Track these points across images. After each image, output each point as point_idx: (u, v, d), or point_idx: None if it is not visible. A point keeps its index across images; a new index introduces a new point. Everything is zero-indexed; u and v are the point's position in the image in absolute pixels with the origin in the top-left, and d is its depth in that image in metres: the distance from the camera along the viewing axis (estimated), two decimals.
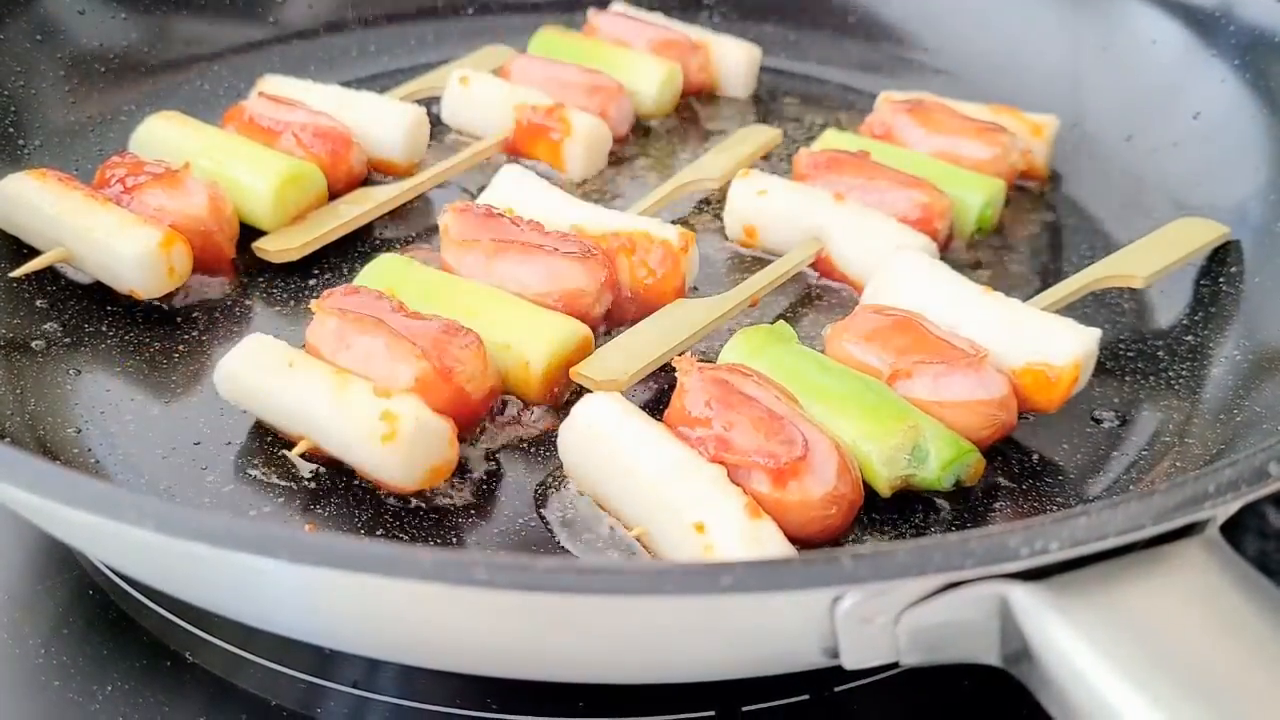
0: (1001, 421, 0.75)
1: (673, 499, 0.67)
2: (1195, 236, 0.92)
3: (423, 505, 0.73)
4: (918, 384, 0.74)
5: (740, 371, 0.72)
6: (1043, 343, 0.77)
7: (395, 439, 0.70)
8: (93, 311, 0.86)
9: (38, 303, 0.86)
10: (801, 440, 0.68)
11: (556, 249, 0.83)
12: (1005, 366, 0.76)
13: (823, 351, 0.79)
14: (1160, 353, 0.87)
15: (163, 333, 0.85)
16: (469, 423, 0.76)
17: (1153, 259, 0.89)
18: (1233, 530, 0.57)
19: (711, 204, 1.01)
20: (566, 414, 0.79)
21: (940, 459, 0.71)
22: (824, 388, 0.74)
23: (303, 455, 0.74)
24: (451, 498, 0.74)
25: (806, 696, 0.67)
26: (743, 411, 0.70)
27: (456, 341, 0.75)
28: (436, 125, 1.06)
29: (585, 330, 0.80)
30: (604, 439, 0.70)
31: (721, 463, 0.68)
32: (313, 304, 0.77)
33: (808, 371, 0.75)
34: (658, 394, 0.81)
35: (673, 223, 0.89)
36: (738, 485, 0.67)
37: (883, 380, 0.75)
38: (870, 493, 0.71)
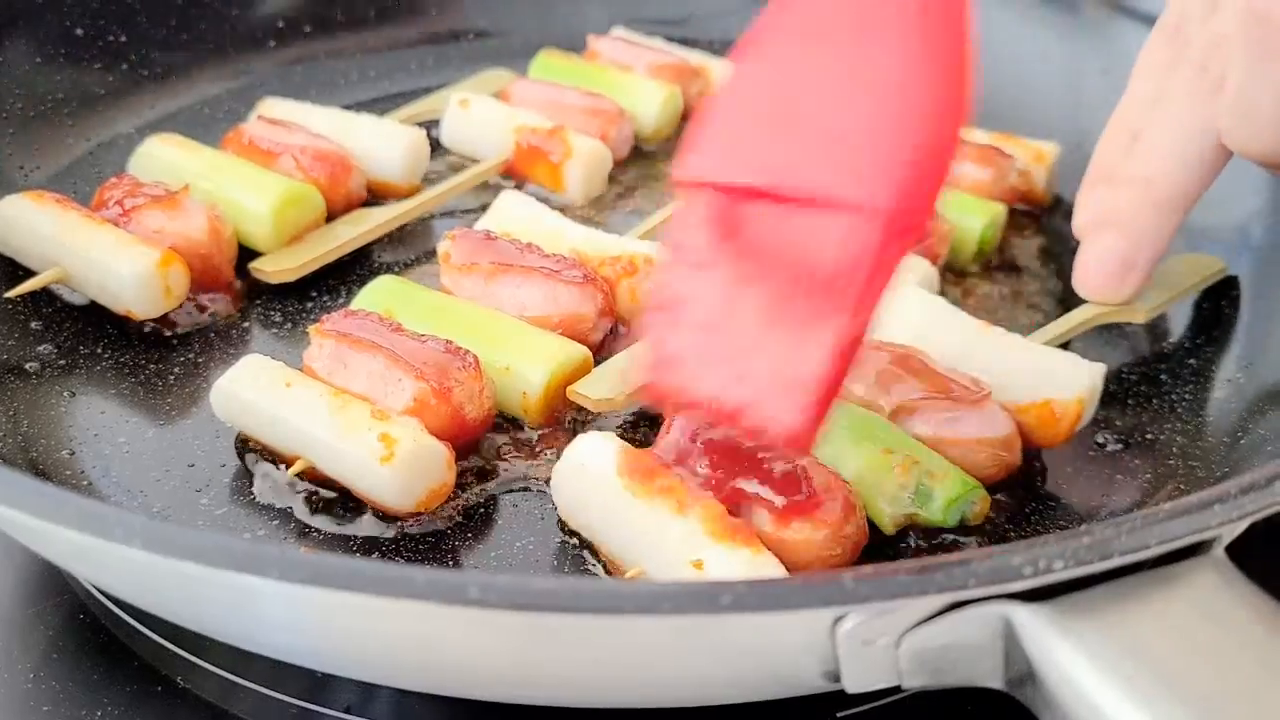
0: (1006, 461, 0.74)
1: (670, 537, 0.65)
2: (1193, 271, 0.91)
3: (419, 528, 0.72)
4: (920, 421, 0.73)
5: None
6: (1047, 379, 0.76)
7: (393, 461, 0.69)
8: (88, 334, 0.86)
9: (32, 325, 0.86)
10: (805, 478, 0.67)
11: (555, 272, 0.82)
12: (1009, 403, 0.75)
13: None
14: (1163, 376, 0.86)
15: (158, 355, 0.85)
16: (467, 444, 0.75)
17: (1152, 295, 0.88)
18: (1239, 551, 0.57)
19: None
20: (566, 435, 0.78)
21: (945, 496, 0.70)
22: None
23: (298, 476, 0.73)
24: (448, 521, 0.73)
25: None
26: (743, 449, 0.68)
27: (455, 363, 0.74)
28: (436, 148, 1.06)
29: (585, 352, 0.79)
30: (598, 479, 0.69)
31: (722, 500, 0.67)
32: (311, 329, 0.76)
33: None
34: (655, 414, 0.81)
35: None
36: (737, 521, 0.66)
37: (884, 417, 0.74)
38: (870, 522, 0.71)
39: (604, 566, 0.70)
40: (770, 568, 0.64)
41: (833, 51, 0.61)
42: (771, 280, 0.60)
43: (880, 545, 0.71)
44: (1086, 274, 0.83)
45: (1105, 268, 0.82)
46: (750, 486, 0.67)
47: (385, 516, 0.72)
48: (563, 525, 0.73)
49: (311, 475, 0.73)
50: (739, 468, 0.67)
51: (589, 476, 0.69)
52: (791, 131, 0.62)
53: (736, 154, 0.63)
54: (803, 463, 0.67)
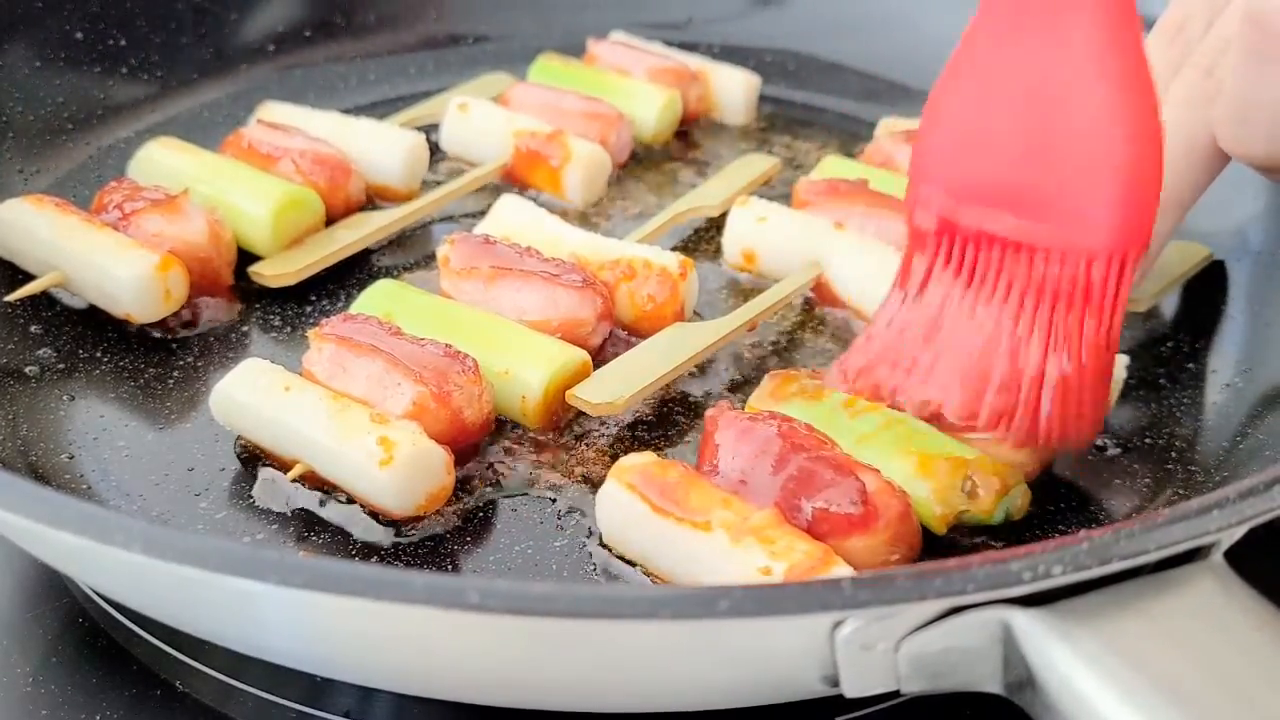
0: (1040, 457, 0.74)
1: (731, 549, 0.64)
2: (1180, 261, 0.92)
3: (418, 532, 0.72)
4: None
5: (780, 419, 0.71)
6: None
7: (392, 464, 0.69)
8: (87, 337, 0.86)
9: (32, 329, 0.86)
10: (860, 487, 0.66)
11: (555, 276, 0.82)
12: None
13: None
14: (1161, 379, 0.86)
15: (157, 358, 0.85)
16: (466, 448, 0.75)
17: (1147, 285, 0.89)
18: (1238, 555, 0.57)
19: (710, 230, 1.01)
20: (566, 439, 0.78)
21: (993, 492, 0.70)
22: (861, 431, 0.72)
23: (298, 480, 0.73)
24: (447, 525, 0.73)
25: None
26: (793, 459, 0.68)
27: (454, 366, 0.74)
28: (435, 153, 1.06)
29: (584, 356, 0.79)
30: (636, 520, 0.68)
31: (775, 507, 0.66)
32: (310, 333, 0.76)
33: (840, 417, 0.73)
34: (656, 416, 0.81)
35: (672, 249, 0.89)
36: (794, 526, 0.66)
37: (921, 419, 0.74)
38: None
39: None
40: (839, 568, 0.63)
41: (1037, 86, 0.66)
42: (1002, 308, 0.68)
43: (930, 546, 0.71)
44: None
45: None
46: (807, 500, 0.66)
47: (385, 520, 0.72)
48: (562, 529, 0.73)
49: (311, 479, 0.73)
50: (795, 483, 0.67)
51: (626, 518, 0.68)
52: (1012, 169, 0.67)
53: (961, 192, 0.69)
54: (856, 471, 0.67)
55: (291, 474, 0.73)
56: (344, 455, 0.70)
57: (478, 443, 0.76)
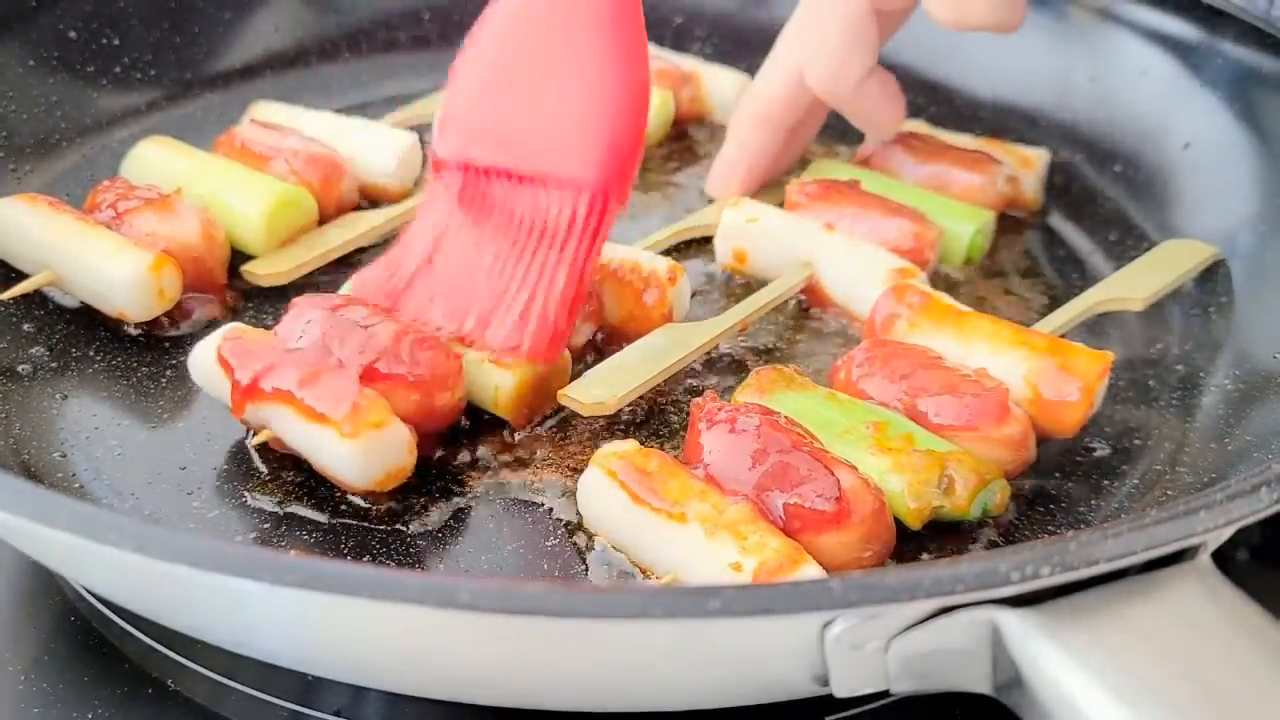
0: (1022, 457, 0.75)
1: (705, 542, 0.65)
2: (1185, 258, 0.92)
3: (410, 532, 0.72)
4: (936, 418, 0.74)
5: (763, 411, 0.72)
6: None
7: (354, 438, 0.69)
8: (80, 336, 0.86)
9: (24, 327, 0.86)
10: (835, 483, 0.67)
11: None
12: (1020, 395, 0.76)
13: (828, 385, 0.78)
14: (1151, 381, 0.86)
15: (150, 357, 0.85)
16: (435, 431, 0.76)
17: (1147, 282, 0.89)
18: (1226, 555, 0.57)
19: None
20: (557, 437, 0.79)
21: (969, 488, 0.71)
22: (843, 425, 0.73)
23: (261, 446, 0.74)
24: (440, 524, 0.73)
25: None
26: (771, 453, 0.68)
27: (424, 348, 0.74)
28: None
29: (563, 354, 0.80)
30: (615, 506, 0.69)
31: (750, 502, 0.67)
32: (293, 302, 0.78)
33: (824, 409, 0.74)
34: (646, 416, 0.81)
35: (662, 252, 0.89)
36: (769, 522, 0.66)
37: (900, 414, 0.74)
38: None
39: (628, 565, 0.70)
40: (808, 567, 0.64)
41: (544, 49, 0.76)
42: (505, 238, 0.77)
43: (905, 543, 0.71)
44: (710, 173, 1.02)
45: (717, 168, 1.01)
46: (781, 495, 0.67)
47: (377, 519, 0.72)
48: (553, 528, 0.73)
49: (277, 446, 0.74)
50: (770, 477, 0.67)
51: (605, 504, 0.69)
52: (520, 115, 0.77)
53: (478, 135, 0.78)
54: (831, 467, 0.68)
55: (256, 440, 0.74)
56: (309, 425, 0.71)
57: (447, 426, 0.77)
